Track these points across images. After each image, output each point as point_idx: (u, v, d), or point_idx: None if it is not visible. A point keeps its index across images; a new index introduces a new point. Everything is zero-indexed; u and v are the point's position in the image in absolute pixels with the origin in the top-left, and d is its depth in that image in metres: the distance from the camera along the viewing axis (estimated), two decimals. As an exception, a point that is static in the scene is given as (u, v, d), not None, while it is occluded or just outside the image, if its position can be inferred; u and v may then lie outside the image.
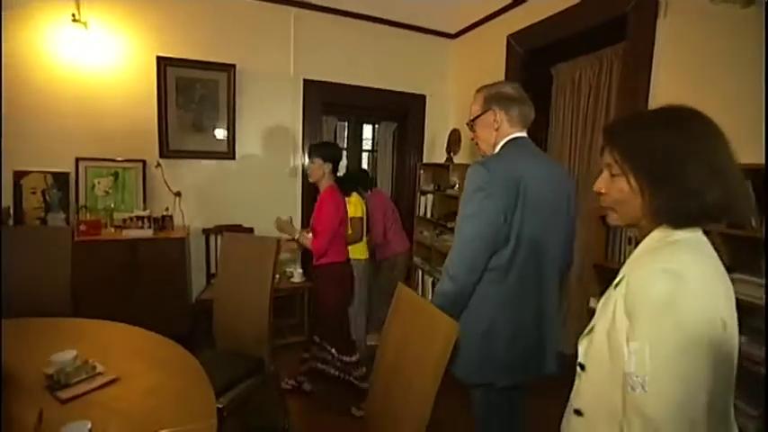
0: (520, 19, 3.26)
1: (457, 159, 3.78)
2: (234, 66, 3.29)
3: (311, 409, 2.46)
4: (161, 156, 3.21)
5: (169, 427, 1.08)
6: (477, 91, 1.56)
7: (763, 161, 1.36)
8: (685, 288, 0.69)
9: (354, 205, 2.84)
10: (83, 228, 2.78)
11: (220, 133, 3.34)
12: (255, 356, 1.96)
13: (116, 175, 3.14)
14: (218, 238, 3.29)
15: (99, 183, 3.10)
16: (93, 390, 1.23)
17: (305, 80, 3.55)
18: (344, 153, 4.32)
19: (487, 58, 3.66)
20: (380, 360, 1.33)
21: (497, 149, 1.46)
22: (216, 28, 3.26)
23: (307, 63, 3.55)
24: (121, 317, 1.80)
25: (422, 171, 4.08)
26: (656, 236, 0.80)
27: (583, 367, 0.87)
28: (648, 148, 0.78)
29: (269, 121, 3.47)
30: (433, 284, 3.82)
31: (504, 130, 1.46)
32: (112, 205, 3.10)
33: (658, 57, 2.24)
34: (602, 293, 0.88)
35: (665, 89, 2.22)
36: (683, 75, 2.14)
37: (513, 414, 1.57)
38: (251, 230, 3.31)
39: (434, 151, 4.16)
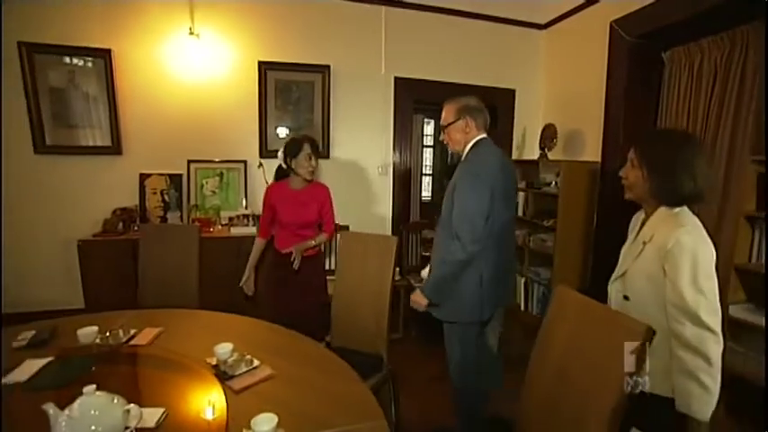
0: (625, 3, 3.02)
1: (552, 155, 3.61)
2: (328, 66, 3.36)
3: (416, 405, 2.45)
4: (261, 156, 3.36)
5: (340, 425, 1.10)
6: (448, 103, 1.92)
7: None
8: (701, 239, 1.18)
9: None
10: (192, 224, 2.97)
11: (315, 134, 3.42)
12: (375, 354, 1.98)
13: (221, 175, 3.34)
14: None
15: (207, 183, 3.31)
16: (257, 383, 1.29)
17: (396, 78, 3.55)
18: (425, 150, 4.27)
19: (585, 48, 3.44)
20: (539, 366, 1.26)
21: (468, 148, 1.86)
22: (311, 31, 3.35)
23: (397, 61, 3.55)
24: (232, 311, 1.90)
25: (511, 168, 3.93)
26: (663, 210, 1.27)
27: (627, 298, 1.31)
28: (655, 155, 1.26)
29: (361, 120, 3.52)
30: (527, 285, 3.68)
31: (473, 134, 1.87)
32: (219, 204, 3.29)
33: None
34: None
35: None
36: None
37: (484, 347, 2.07)
38: (347, 228, 3.37)
39: (524, 147, 3.99)
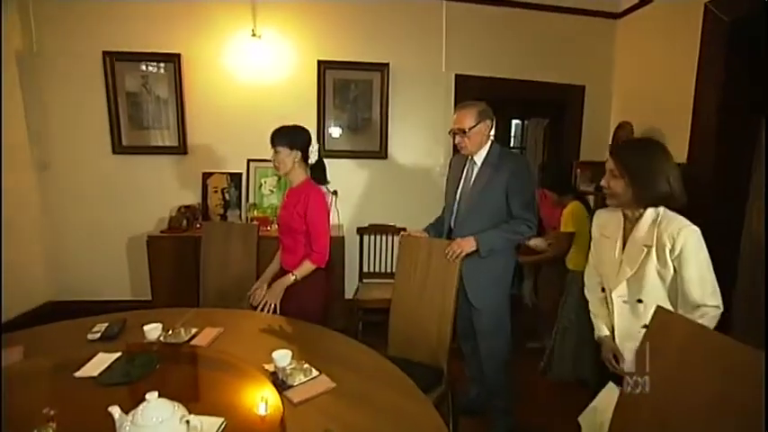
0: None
1: (627, 156, 3.29)
2: (387, 64, 3.29)
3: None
4: (319, 156, 3.35)
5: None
6: (465, 108, 1.99)
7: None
8: (699, 236, 1.35)
9: (569, 216, 2.59)
10: (252, 223, 3.01)
11: (373, 133, 3.37)
12: (435, 366, 1.87)
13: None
14: (372, 237, 3.33)
15: (265, 182, 3.35)
16: (317, 395, 1.22)
17: (457, 75, 3.40)
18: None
19: (670, 36, 3.10)
20: (635, 407, 1.08)
21: (486, 149, 2.03)
22: (371, 28, 3.30)
23: (458, 58, 3.40)
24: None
25: (579, 170, 3.66)
26: (650, 212, 1.41)
27: (641, 301, 1.40)
28: (634, 164, 1.39)
29: (420, 120, 3.41)
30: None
31: (489, 136, 2.02)
32: (277, 203, 3.32)
33: None
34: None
35: None
36: None
37: None
38: (404, 230, 3.27)
39: (596, 147, 3.69)
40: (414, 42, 3.35)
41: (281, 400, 1.18)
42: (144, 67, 3.16)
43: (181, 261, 2.95)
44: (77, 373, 1.32)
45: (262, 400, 1.12)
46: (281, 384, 1.26)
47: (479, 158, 2.02)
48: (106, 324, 1.68)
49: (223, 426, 1.04)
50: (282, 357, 1.34)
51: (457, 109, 2.03)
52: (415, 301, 1.97)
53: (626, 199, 1.42)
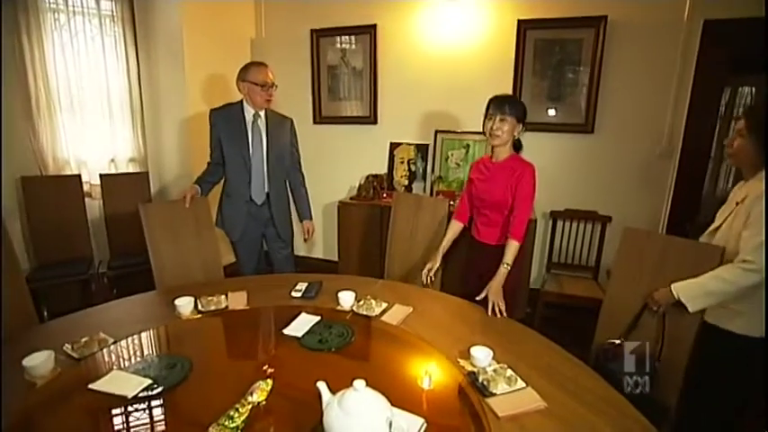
0: None
1: None
2: (604, 18, 2.70)
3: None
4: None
5: None
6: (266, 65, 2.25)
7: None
8: None
9: None
10: (440, 198, 2.91)
11: (581, 102, 2.86)
12: (656, 400, 1.46)
13: (467, 147, 3.18)
14: (567, 223, 2.89)
15: (452, 155, 3.21)
16: (526, 413, 1.02)
17: (706, 22, 2.58)
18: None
19: None
20: None
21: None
22: (587, -27, 2.74)
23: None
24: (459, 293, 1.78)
25: None
26: (760, 175, 1.34)
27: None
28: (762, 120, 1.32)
29: (642, 86, 2.72)
30: None
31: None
32: (463, 177, 3.16)
33: None
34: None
35: None
36: None
37: None
38: (608, 219, 2.76)
39: None
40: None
41: (484, 409, 1.02)
42: (339, 43, 3.32)
43: (366, 228, 3.08)
44: (285, 330, 1.42)
45: (462, 403, 0.98)
46: (482, 389, 1.10)
47: (263, 114, 2.24)
48: (306, 284, 1.80)
49: (422, 429, 0.93)
50: (484, 356, 1.18)
51: (263, 66, 2.21)
52: (636, 309, 1.57)
53: (743, 158, 1.36)
